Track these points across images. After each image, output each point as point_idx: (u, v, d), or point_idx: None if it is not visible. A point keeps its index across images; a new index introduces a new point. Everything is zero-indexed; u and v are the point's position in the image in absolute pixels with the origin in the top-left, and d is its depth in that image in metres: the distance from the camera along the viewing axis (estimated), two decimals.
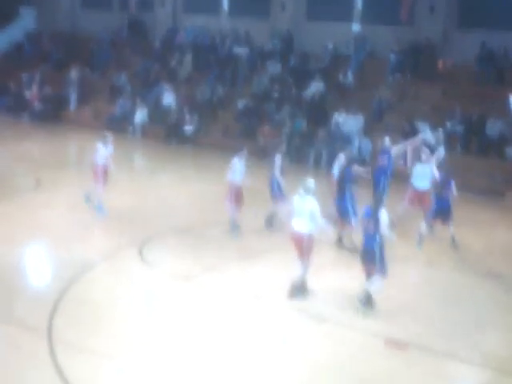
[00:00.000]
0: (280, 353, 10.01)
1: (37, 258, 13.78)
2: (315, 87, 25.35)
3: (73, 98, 29.32)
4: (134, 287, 12.02)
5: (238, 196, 14.98)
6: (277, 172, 15.26)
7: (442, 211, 14.80)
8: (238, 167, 14.96)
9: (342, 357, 9.90)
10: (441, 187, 14.83)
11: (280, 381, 9.27)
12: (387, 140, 16.74)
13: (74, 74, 29.66)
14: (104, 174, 15.91)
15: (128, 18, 32.28)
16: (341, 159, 15.28)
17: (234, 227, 15.05)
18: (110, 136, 16.25)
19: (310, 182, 11.54)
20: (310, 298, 11.65)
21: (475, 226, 16.64)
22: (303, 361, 9.78)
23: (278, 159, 15.35)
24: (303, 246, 11.50)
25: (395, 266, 13.95)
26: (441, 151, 21.36)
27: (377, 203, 11.27)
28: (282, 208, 14.43)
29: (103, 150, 15.90)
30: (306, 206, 11.33)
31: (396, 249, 14.88)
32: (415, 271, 13.73)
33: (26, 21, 34.58)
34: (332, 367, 9.60)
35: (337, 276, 13.09)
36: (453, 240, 14.88)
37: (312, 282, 12.03)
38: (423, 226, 14.82)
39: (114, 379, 9.15)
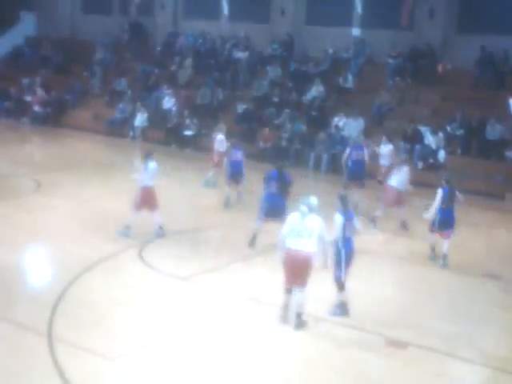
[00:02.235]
0: (279, 353, 10.00)
1: (37, 259, 13.79)
2: (316, 91, 25.39)
3: (97, 78, 30.12)
4: (133, 288, 12.00)
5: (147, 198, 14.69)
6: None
7: (445, 223, 13.96)
8: (153, 171, 14.70)
9: (341, 357, 9.89)
10: (447, 200, 13.92)
11: (279, 381, 9.26)
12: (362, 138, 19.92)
13: (98, 55, 30.66)
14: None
15: (129, 22, 32.33)
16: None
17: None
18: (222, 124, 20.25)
19: (313, 199, 10.67)
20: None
21: (475, 228, 16.67)
22: (303, 361, 9.77)
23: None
24: (308, 269, 10.49)
25: (395, 267, 14.05)
26: (441, 154, 21.53)
27: (348, 208, 11.07)
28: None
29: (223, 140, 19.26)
30: (311, 226, 10.42)
31: (396, 250, 14.99)
32: (415, 272, 13.73)
33: (26, 25, 34.75)
34: (331, 367, 9.58)
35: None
36: (444, 258, 13.92)
37: (310, 281, 12.04)
38: (431, 238, 14.30)
39: (114, 380, 9.14)
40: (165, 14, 31.94)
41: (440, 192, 13.98)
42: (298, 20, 28.78)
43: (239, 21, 29.68)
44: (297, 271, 10.46)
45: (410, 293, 12.58)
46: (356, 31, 27.71)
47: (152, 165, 14.74)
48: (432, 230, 14.18)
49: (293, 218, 10.54)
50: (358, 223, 11.22)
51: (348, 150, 18.28)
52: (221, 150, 19.25)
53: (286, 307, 10.72)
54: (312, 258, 10.43)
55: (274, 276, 12.69)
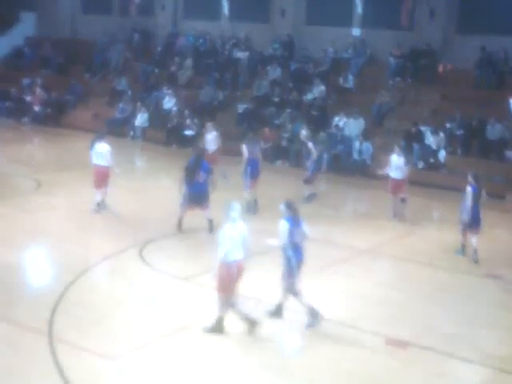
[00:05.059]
0: (279, 350, 10.01)
1: (37, 259, 13.79)
2: (317, 91, 25.37)
3: (117, 58, 30.68)
4: (134, 288, 12.02)
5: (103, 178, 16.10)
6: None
7: (476, 221, 14.22)
8: (104, 152, 16.03)
9: (342, 357, 9.89)
10: (475, 198, 14.12)
11: (279, 380, 9.26)
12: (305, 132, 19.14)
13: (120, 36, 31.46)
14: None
15: (134, 23, 32.34)
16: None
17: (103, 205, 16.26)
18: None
19: (238, 204, 10.19)
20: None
21: None
22: (303, 360, 9.78)
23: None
24: (240, 277, 10.18)
25: (396, 267, 14.06)
26: (442, 154, 21.53)
27: (297, 212, 10.68)
28: None
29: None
30: (241, 232, 10.04)
31: (397, 250, 14.99)
32: (416, 272, 13.73)
33: (26, 26, 34.72)
34: (331, 367, 9.59)
35: (336, 276, 13.11)
36: (475, 252, 14.28)
37: (312, 283, 12.04)
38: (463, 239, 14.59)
39: (114, 379, 9.15)
40: (165, 14, 31.95)
41: (470, 190, 14.17)
42: (298, 20, 28.78)
43: (239, 21, 29.70)
44: (237, 282, 10.13)
45: (411, 293, 12.58)
46: (356, 31, 27.69)
47: (100, 146, 16.01)
48: (464, 230, 14.48)
49: (228, 228, 9.99)
50: (307, 229, 10.74)
51: (245, 148, 17.19)
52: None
53: (222, 320, 10.23)
54: (244, 266, 10.17)
55: (273, 276, 12.74)
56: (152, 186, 19.59)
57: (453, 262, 14.16)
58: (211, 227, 14.92)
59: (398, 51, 25.75)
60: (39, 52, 33.31)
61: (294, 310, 10.86)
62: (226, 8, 30.67)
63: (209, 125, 20.32)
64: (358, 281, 12.86)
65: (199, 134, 25.23)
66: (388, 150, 22.34)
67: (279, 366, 9.54)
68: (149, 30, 32.22)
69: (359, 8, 27.57)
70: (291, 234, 10.43)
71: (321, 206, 18.21)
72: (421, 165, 21.81)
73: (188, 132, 25.39)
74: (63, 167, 20.99)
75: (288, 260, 10.50)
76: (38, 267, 13.39)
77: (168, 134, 25.80)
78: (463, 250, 14.58)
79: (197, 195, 14.90)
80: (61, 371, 8.99)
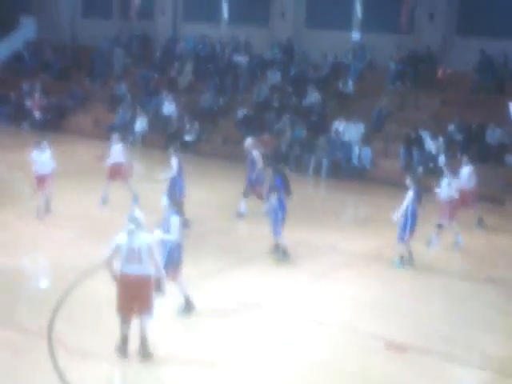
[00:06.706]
0: (280, 355, 10.01)
1: (38, 264, 13.81)
2: (313, 97, 25.36)
3: (117, 63, 31.01)
4: None
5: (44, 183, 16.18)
6: None
7: (415, 225, 13.68)
8: (40, 159, 16.34)
9: (342, 359, 9.92)
10: (418, 200, 13.56)
11: (280, 382, 9.26)
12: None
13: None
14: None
15: (134, 27, 32.39)
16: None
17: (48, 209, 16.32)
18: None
19: (139, 213, 9.67)
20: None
21: (475, 232, 16.68)
22: (303, 363, 9.79)
23: None
24: (148, 293, 9.62)
25: (395, 272, 14.05)
26: (441, 159, 21.53)
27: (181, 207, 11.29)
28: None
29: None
30: (143, 243, 9.50)
31: (395, 255, 14.98)
32: (415, 276, 13.72)
33: (26, 30, 34.73)
34: (332, 369, 9.61)
35: (336, 280, 13.11)
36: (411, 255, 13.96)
37: (313, 287, 12.05)
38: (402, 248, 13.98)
39: (114, 381, 9.16)
40: (165, 18, 31.96)
41: (411, 193, 13.50)
42: (297, 24, 28.82)
43: (239, 24, 29.73)
44: (136, 297, 9.59)
45: (410, 296, 12.62)
46: (356, 35, 27.72)
47: (34, 154, 16.42)
48: (403, 238, 13.72)
49: (120, 238, 9.58)
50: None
51: (174, 161, 16.74)
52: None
53: (125, 339, 9.66)
54: (149, 281, 9.62)
55: (273, 278, 12.80)
56: (151, 190, 19.55)
57: (452, 265, 14.15)
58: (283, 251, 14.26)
59: (398, 56, 25.77)
60: (39, 56, 33.34)
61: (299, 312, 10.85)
62: (225, 11, 30.71)
63: (115, 136, 18.46)
64: (358, 285, 12.87)
65: (199, 140, 25.33)
66: (388, 155, 22.43)
67: (278, 370, 9.54)
68: (149, 35, 32.28)
69: (359, 12, 27.62)
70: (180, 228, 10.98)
71: (321, 212, 18.21)
72: (420, 170, 21.82)
73: (188, 137, 25.39)
74: (63, 173, 20.92)
75: (180, 254, 11.08)
76: (38, 271, 13.43)
77: (168, 140, 25.78)
78: (404, 260, 13.87)
79: (285, 213, 14.15)
80: (61, 373, 9.03)
